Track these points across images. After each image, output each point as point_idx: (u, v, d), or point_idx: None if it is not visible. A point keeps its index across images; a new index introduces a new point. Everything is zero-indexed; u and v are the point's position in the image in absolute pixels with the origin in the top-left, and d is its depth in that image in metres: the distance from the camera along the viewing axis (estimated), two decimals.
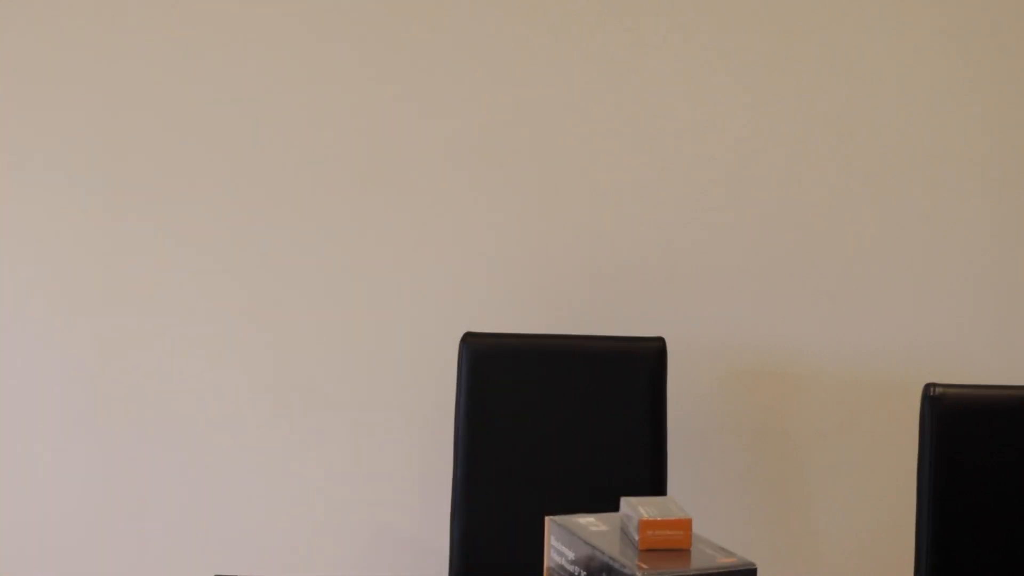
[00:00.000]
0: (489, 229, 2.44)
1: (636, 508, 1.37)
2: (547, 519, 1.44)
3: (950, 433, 1.88)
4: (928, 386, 1.91)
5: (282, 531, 2.49)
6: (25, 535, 2.53)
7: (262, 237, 2.46)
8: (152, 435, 2.50)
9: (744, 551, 1.47)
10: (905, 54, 2.38)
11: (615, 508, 1.45)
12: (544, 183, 2.43)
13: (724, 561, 1.30)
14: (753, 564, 1.30)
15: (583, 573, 1.36)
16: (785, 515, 2.45)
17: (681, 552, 1.33)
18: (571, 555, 1.39)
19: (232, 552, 2.49)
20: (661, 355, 2.16)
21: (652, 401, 2.15)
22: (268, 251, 2.46)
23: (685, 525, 1.35)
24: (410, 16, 2.42)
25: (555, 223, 2.43)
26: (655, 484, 2.12)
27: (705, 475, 2.43)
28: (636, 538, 1.34)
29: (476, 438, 2.14)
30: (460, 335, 2.17)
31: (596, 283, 2.43)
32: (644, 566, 1.27)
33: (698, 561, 1.30)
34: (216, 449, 2.49)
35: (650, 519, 1.34)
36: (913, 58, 2.38)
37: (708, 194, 2.41)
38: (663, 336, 2.18)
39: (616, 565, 1.29)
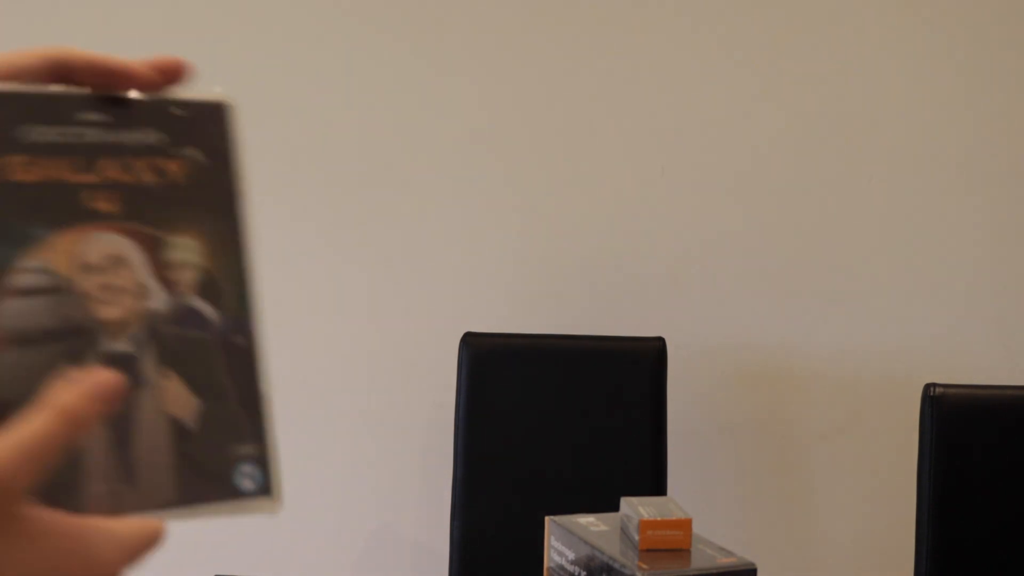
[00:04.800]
0: (489, 229, 2.44)
1: (636, 508, 1.37)
2: (547, 519, 1.44)
3: (950, 433, 1.89)
4: (928, 386, 1.91)
5: (282, 531, 2.49)
6: None
7: (261, 237, 2.46)
8: None
9: (744, 551, 1.47)
10: (904, 56, 2.38)
11: (615, 508, 1.45)
12: (544, 183, 2.43)
13: (724, 561, 1.30)
14: (753, 564, 1.30)
15: (583, 573, 1.36)
16: (785, 515, 2.45)
17: (681, 552, 1.33)
18: (571, 555, 1.39)
19: (232, 552, 2.49)
20: (661, 355, 2.16)
21: (652, 401, 2.15)
22: (267, 251, 2.46)
23: (685, 525, 1.35)
24: (412, 15, 2.42)
25: (555, 223, 2.44)
26: (655, 484, 2.12)
27: (705, 475, 2.43)
28: (636, 538, 1.34)
29: (476, 438, 2.14)
30: (460, 335, 2.17)
31: (596, 283, 2.43)
32: (644, 566, 1.27)
33: (698, 561, 1.30)
34: None
35: (650, 519, 1.34)
36: (912, 60, 2.38)
37: (708, 194, 2.41)
38: (663, 336, 2.19)
39: (616, 565, 1.29)
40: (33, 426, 0.50)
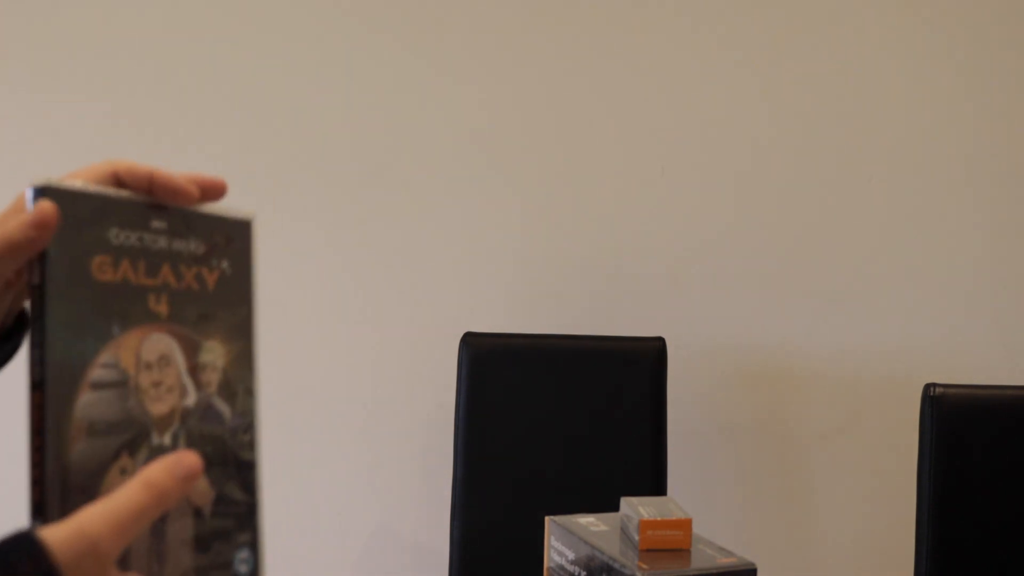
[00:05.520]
0: (490, 229, 2.44)
1: (636, 508, 1.37)
2: (547, 519, 1.44)
3: (950, 433, 1.89)
4: (928, 386, 1.91)
5: (282, 531, 2.49)
6: None
7: (261, 237, 2.46)
8: None
9: (744, 551, 1.47)
10: (904, 56, 2.38)
11: (615, 508, 1.45)
12: (544, 183, 2.43)
13: (724, 561, 1.30)
14: (753, 564, 1.30)
15: (583, 573, 1.36)
16: (785, 515, 2.45)
17: (681, 552, 1.33)
18: (571, 555, 1.39)
19: None
20: (661, 355, 2.16)
21: (652, 401, 2.15)
22: (268, 251, 2.46)
23: (685, 525, 1.35)
24: (412, 15, 2.42)
25: (556, 223, 2.44)
26: (655, 484, 2.12)
27: (705, 475, 2.43)
28: (636, 538, 1.34)
29: (476, 438, 2.14)
30: (460, 335, 2.17)
31: (597, 283, 2.43)
32: (644, 566, 1.27)
33: (698, 561, 1.30)
34: None
35: (650, 519, 1.34)
36: (912, 60, 2.38)
37: (709, 195, 2.41)
38: (663, 336, 2.19)
39: (616, 565, 1.29)
40: (127, 499, 0.55)
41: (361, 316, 2.47)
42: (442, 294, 2.45)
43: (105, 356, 0.58)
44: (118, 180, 0.63)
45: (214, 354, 0.64)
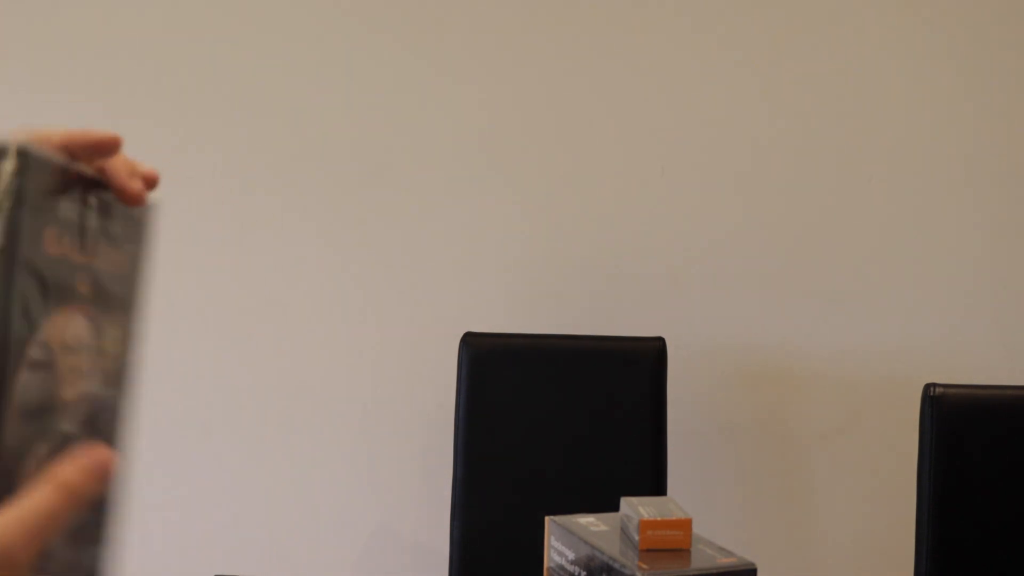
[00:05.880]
0: (489, 229, 2.44)
1: (636, 508, 1.37)
2: (547, 519, 1.44)
3: (950, 433, 1.89)
4: (928, 386, 1.91)
5: (282, 531, 2.49)
6: None
7: (261, 237, 2.46)
8: (153, 435, 2.50)
9: (744, 551, 1.47)
10: (904, 56, 2.38)
11: (615, 508, 1.45)
12: (544, 183, 2.43)
13: (724, 561, 1.30)
14: (753, 564, 1.30)
15: (583, 573, 1.36)
16: (785, 515, 2.45)
17: (681, 552, 1.33)
18: (571, 555, 1.38)
19: (232, 552, 2.49)
20: (661, 355, 2.16)
21: (652, 401, 2.15)
22: (268, 251, 2.46)
23: (685, 525, 1.35)
24: (412, 15, 2.42)
25: (556, 223, 2.44)
26: (655, 484, 2.12)
27: (705, 475, 2.43)
28: (636, 538, 1.34)
29: (476, 438, 2.14)
30: (460, 335, 2.17)
31: (597, 283, 2.43)
32: (644, 566, 1.27)
33: (698, 561, 1.30)
34: (216, 449, 2.49)
35: (650, 519, 1.34)
36: (912, 60, 2.38)
37: (708, 194, 2.41)
38: (663, 336, 2.19)
39: (616, 565, 1.29)
40: (37, 501, 0.51)
41: (361, 316, 2.47)
42: (442, 294, 2.45)
43: (41, 334, 0.54)
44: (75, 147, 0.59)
45: (115, 341, 0.61)
